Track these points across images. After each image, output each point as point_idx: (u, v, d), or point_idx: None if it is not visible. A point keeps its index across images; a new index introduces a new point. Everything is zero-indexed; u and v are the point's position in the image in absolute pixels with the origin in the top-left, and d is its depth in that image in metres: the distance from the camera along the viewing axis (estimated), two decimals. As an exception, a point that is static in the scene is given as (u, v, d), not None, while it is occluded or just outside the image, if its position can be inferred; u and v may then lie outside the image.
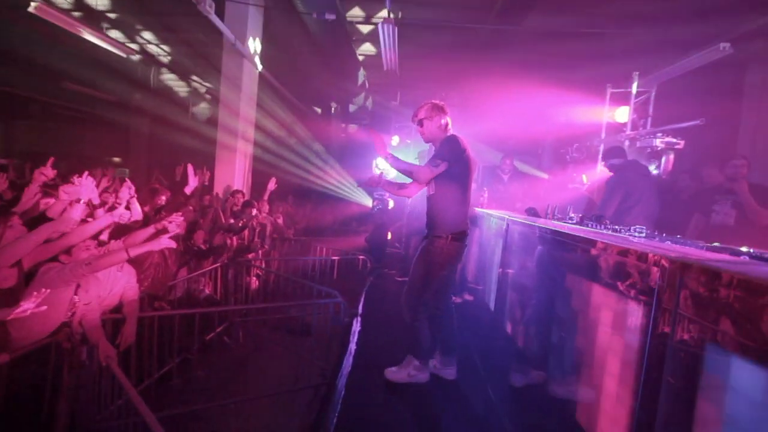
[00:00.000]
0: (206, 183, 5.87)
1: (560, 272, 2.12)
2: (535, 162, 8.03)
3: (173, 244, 2.41)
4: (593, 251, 1.55)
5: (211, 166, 6.18)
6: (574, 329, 1.73)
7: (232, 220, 4.82)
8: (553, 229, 2.03)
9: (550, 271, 2.10)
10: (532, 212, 2.98)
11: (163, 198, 3.50)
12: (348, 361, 2.93)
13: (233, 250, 4.70)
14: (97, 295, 2.48)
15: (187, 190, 3.34)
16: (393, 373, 2.52)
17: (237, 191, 5.89)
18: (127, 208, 3.43)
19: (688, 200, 4.26)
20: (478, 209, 3.95)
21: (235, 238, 4.80)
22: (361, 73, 7.87)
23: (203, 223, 4.25)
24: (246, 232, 5.39)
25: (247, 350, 4.29)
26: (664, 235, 1.92)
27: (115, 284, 2.76)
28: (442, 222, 2.32)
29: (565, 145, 6.22)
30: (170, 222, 2.63)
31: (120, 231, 2.85)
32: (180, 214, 2.68)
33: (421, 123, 2.42)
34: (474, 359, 2.90)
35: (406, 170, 2.36)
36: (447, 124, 2.42)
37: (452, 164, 2.26)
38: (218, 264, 4.46)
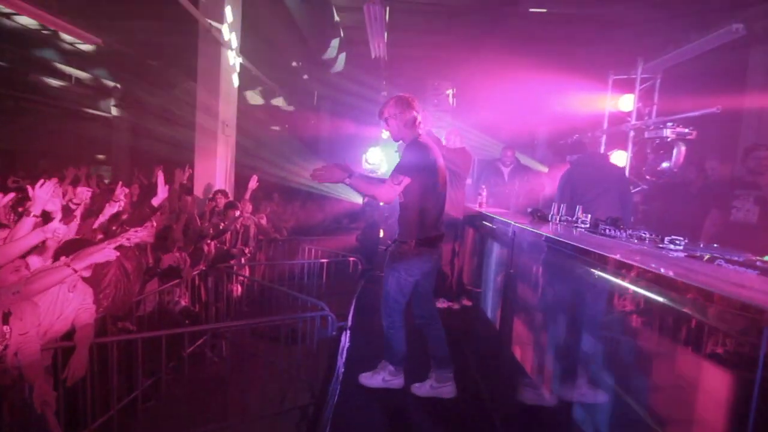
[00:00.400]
0: (184, 181, 5.48)
1: (576, 294, 1.83)
2: (529, 153, 7.73)
3: (115, 255, 2.10)
4: (627, 275, 1.23)
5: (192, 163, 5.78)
6: (607, 372, 1.43)
7: (206, 224, 4.44)
8: (567, 242, 1.72)
9: (565, 293, 1.80)
10: (538, 215, 2.66)
11: (122, 198, 3.11)
12: (337, 381, 2.65)
13: (211, 257, 4.34)
14: (37, 323, 2.13)
15: (155, 202, 2.95)
16: (367, 378, 2.49)
17: (219, 191, 5.51)
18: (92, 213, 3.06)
19: (697, 194, 4.05)
20: (477, 208, 3.64)
21: (213, 244, 4.43)
22: (342, 58, 7.37)
23: (176, 228, 3.88)
24: (228, 235, 5.03)
25: (228, 366, 3.96)
26: (701, 245, 1.62)
27: (65, 307, 2.40)
28: (408, 228, 2.29)
29: (565, 136, 5.92)
30: (128, 239, 2.31)
31: (71, 246, 2.49)
32: (136, 229, 2.36)
33: (386, 122, 2.29)
34: (479, 384, 2.62)
35: (370, 192, 2.25)
36: (415, 120, 2.28)
37: (415, 176, 2.18)
38: (195, 272, 4.10)
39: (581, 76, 5.24)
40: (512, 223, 2.28)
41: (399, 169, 2.20)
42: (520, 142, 7.50)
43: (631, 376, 1.38)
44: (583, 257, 1.52)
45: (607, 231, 2.08)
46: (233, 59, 5.83)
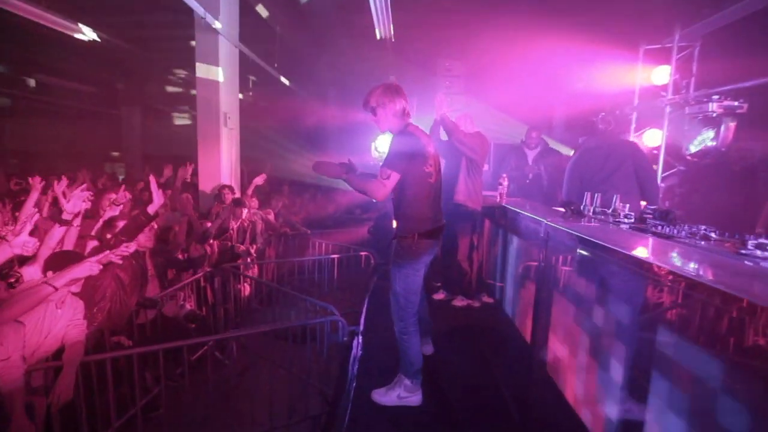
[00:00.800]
0: (187, 179, 5.30)
1: (626, 308, 1.53)
2: (546, 133, 7.28)
3: (98, 269, 1.98)
4: (713, 302, 0.94)
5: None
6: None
7: (209, 224, 4.24)
8: (619, 250, 1.41)
9: (613, 306, 1.51)
10: (571, 208, 2.34)
11: (123, 202, 2.95)
12: (348, 398, 2.45)
13: (215, 257, 4.15)
14: (22, 346, 1.95)
15: (150, 209, 2.78)
16: (381, 395, 2.35)
17: (225, 186, 5.32)
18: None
19: (740, 176, 3.68)
20: (498, 200, 3.32)
21: (215, 243, 4.24)
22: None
23: (179, 231, 3.70)
24: (234, 234, 4.84)
25: (236, 370, 3.80)
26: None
27: (53, 324, 2.23)
28: (407, 223, 2.22)
29: (589, 115, 5.47)
30: (116, 254, 2.14)
31: (60, 259, 2.30)
32: (127, 245, 2.20)
33: (373, 111, 2.17)
34: (506, 400, 2.37)
35: (362, 189, 2.15)
36: (404, 110, 2.17)
37: (405, 168, 2.10)
38: (200, 274, 3.93)
39: (608, 47, 4.77)
40: (544, 221, 1.97)
41: (386, 164, 2.10)
42: (538, 123, 7.05)
43: None
44: (642, 270, 1.22)
45: (660, 228, 1.76)
46: (231, 47, 5.55)
